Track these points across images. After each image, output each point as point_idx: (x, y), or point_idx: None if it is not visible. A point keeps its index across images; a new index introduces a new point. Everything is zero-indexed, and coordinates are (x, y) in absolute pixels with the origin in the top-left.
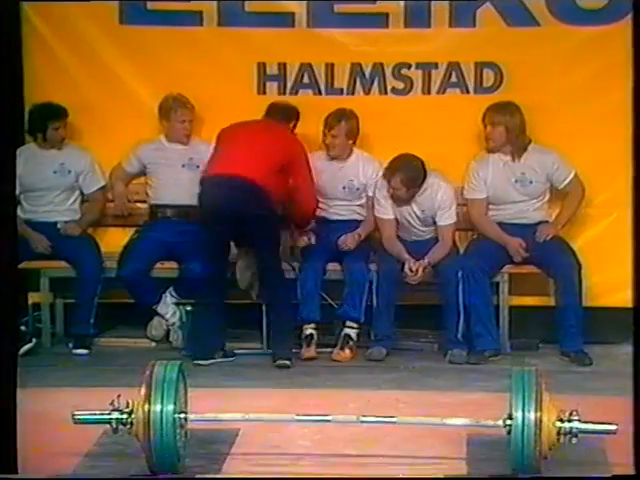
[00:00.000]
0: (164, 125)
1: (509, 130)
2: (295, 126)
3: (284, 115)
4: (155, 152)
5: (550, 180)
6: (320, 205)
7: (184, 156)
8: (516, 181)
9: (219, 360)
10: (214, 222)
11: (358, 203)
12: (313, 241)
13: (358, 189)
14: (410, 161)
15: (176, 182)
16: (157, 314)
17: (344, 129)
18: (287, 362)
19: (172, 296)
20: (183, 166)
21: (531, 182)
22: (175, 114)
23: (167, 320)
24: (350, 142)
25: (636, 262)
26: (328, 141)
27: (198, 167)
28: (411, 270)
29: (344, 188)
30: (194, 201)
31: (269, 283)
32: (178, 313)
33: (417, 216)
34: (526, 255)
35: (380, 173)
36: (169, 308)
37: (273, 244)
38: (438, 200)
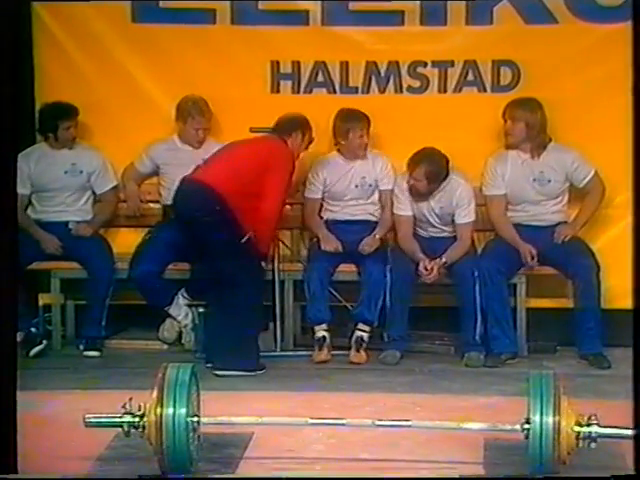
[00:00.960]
0: (179, 126)
1: (529, 126)
2: (305, 134)
3: (283, 128)
4: (168, 152)
5: (569, 179)
6: (330, 207)
7: (197, 157)
8: (534, 180)
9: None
10: (180, 224)
11: (370, 201)
12: (340, 248)
13: (370, 185)
14: (435, 155)
15: None
16: (169, 316)
17: (366, 129)
18: (223, 372)
19: (184, 297)
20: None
21: (549, 181)
22: (192, 120)
23: (179, 322)
24: (366, 142)
25: (636, 263)
26: (357, 142)
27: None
28: (426, 269)
29: (356, 186)
30: None
31: (224, 286)
32: (190, 315)
33: (435, 213)
34: (534, 264)
35: (390, 168)
36: (181, 310)
37: (226, 248)
38: (457, 197)
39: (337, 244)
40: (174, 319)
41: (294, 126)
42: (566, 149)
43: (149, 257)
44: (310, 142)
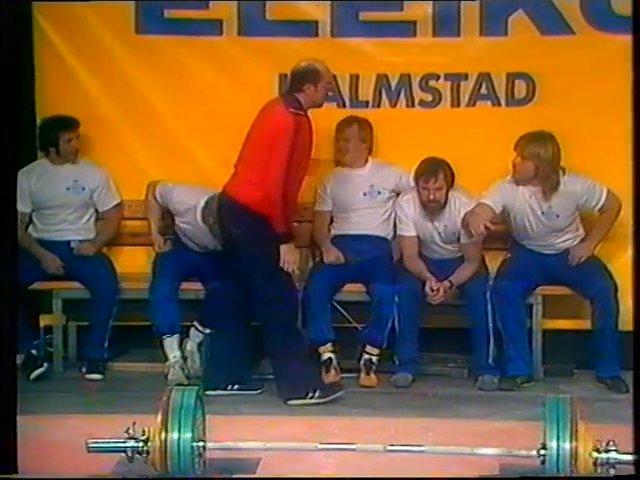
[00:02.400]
0: None
1: (540, 166)
2: (317, 85)
3: (293, 85)
4: None
5: (581, 208)
6: (338, 220)
7: None
8: (542, 213)
9: (229, 393)
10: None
11: (382, 212)
12: (342, 259)
13: (380, 193)
14: (443, 160)
15: None
16: (162, 347)
17: (356, 132)
18: (297, 401)
19: (197, 330)
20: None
21: (558, 216)
22: None
23: (170, 359)
24: (364, 147)
25: (636, 285)
26: (340, 145)
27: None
28: (432, 290)
29: (365, 194)
30: None
31: (258, 307)
32: (196, 340)
33: (439, 232)
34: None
35: (401, 177)
36: (174, 348)
37: (254, 263)
38: (461, 216)
39: (339, 255)
40: (165, 354)
41: (303, 79)
42: (575, 181)
43: (166, 276)
44: (328, 91)
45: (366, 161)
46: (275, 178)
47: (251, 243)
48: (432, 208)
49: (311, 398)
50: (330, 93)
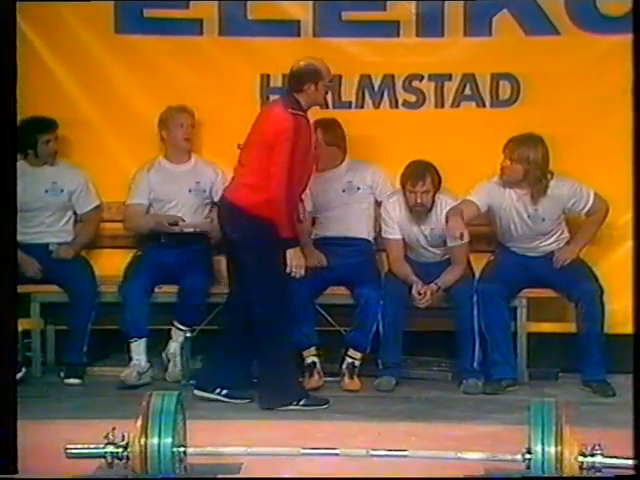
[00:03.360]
0: (163, 136)
1: (528, 169)
2: (318, 83)
3: (292, 85)
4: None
5: (568, 212)
6: (320, 220)
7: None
8: (528, 216)
9: (215, 397)
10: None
11: (362, 208)
12: (325, 262)
13: (359, 189)
14: (429, 163)
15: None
16: (129, 352)
17: (321, 137)
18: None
19: (178, 328)
20: (190, 191)
21: (544, 220)
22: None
23: (134, 364)
24: (334, 150)
25: (636, 286)
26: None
27: (204, 191)
28: (419, 293)
29: (344, 191)
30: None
31: (254, 312)
32: (177, 343)
33: (424, 236)
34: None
35: (377, 174)
36: (141, 355)
37: (252, 268)
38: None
39: (321, 258)
40: (130, 358)
41: (304, 79)
42: (562, 184)
43: (139, 277)
44: (328, 89)
45: (342, 161)
46: (278, 182)
47: (250, 248)
48: (419, 212)
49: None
50: (329, 92)
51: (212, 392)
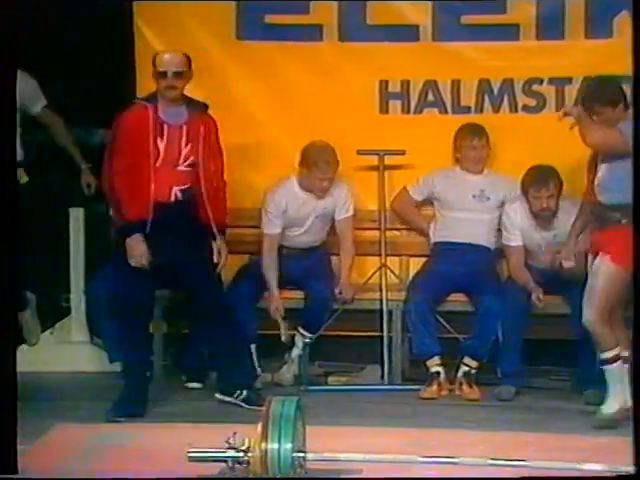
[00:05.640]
0: (302, 172)
1: None
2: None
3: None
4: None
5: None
6: (443, 220)
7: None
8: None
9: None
10: None
11: (488, 218)
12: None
13: (489, 199)
14: (552, 167)
15: None
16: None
17: (486, 140)
18: (224, 397)
19: (301, 334)
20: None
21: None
22: (317, 169)
23: None
24: (483, 155)
25: (636, 288)
26: (466, 151)
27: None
28: (539, 299)
29: (474, 197)
30: None
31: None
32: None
33: (548, 242)
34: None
35: (513, 189)
36: None
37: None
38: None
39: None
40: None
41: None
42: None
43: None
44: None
45: (483, 168)
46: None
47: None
48: (544, 217)
49: (237, 398)
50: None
51: (231, 396)
